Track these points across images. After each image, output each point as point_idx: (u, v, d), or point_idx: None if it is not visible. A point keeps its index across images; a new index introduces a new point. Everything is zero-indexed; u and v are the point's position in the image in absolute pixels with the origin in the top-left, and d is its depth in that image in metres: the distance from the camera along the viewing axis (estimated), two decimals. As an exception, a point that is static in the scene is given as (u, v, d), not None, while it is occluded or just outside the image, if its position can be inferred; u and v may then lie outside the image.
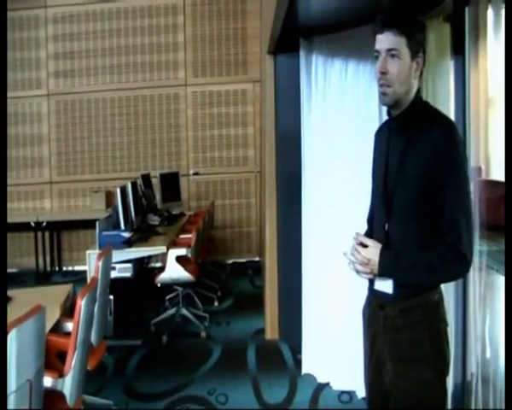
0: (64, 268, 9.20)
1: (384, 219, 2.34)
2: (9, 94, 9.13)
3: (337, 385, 4.52)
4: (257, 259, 8.72)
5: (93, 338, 3.66)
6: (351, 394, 4.38)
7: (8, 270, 8.99)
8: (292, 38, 4.72)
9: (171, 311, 6.11)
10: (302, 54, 4.80)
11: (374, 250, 2.27)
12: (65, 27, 9.18)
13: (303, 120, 4.87)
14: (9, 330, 2.38)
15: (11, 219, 8.93)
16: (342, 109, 4.53)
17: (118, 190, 5.95)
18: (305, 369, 4.81)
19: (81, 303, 3.15)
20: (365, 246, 2.29)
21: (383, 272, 2.26)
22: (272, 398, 4.41)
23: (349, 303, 4.11)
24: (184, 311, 6.02)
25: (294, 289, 4.97)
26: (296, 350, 5.06)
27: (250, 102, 8.99)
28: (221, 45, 8.99)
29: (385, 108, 2.39)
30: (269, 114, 5.46)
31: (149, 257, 6.80)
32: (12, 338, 2.39)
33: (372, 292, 2.40)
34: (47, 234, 8.99)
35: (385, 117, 2.47)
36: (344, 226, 4.24)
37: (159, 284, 5.86)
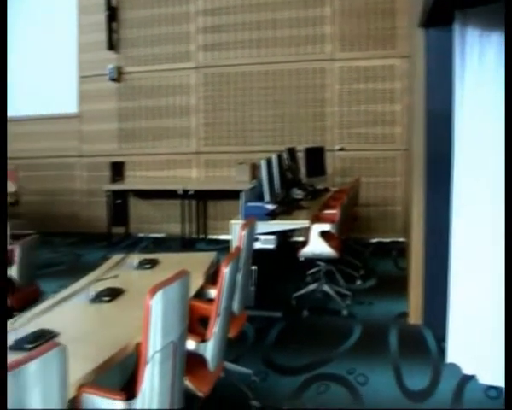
0: (208, 236, 9.45)
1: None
2: (160, 67, 9.50)
3: (484, 379, 4.22)
4: (401, 239, 8.43)
5: (235, 307, 3.66)
6: (499, 390, 4.06)
7: (156, 235, 9.44)
8: (445, 10, 4.40)
9: (313, 286, 6.03)
10: (456, 27, 4.45)
11: None
12: (213, 2, 9.32)
13: (455, 97, 4.55)
14: (156, 291, 2.39)
15: (160, 186, 9.35)
16: (499, 88, 4.16)
17: (263, 162, 5.96)
18: (449, 358, 4.54)
19: (225, 271, 3.14)
20: None
21: None
22: (414, 385, 4.19)
23: (502, 291, 3.82)
24: (326, 287, 5.92)
25: (441, 274, 4.70)
26: (440, 338, 4.79)
27: (398, 78, 8.68)
28: (369, 19, 8.72)
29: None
30: (418, 91, 5.18)
31: (292, 230, 6.76)
32: (158, 299, 2.40)
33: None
34: (193, 202, 9.27)
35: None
36: (496, 210, 3.95)
37: (301, 258, 5.79)
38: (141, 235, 9.62)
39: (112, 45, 9.84)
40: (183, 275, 2.63)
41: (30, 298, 4.63)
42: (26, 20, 10.29)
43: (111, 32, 9.82)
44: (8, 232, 5.35)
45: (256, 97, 9.26)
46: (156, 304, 2.40)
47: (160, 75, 9.68)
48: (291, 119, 9.14)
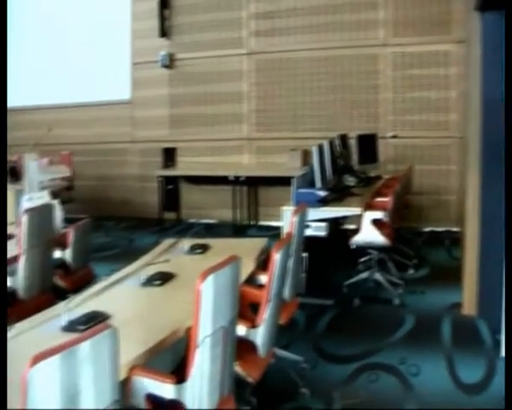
0: (259, 223, 9.48)
1: None
2: (212, 53, 9.52)
3: (542, 374, 4.09)
4: (454, 229, 8.25)
5: (286, 294, 3.64)
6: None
7: (207, 220, 9.49)
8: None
9: (365, 274, 5.96)
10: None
11: None
12: (266, -13, 9.28)
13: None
14: (207, 275, 2.38)
15: (211, 172, 9.40)
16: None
17: (315, 149, 5.92)
18: (504, 351, 4.42)
19: (276, 256, 3.11)
20: None
21: None
22: (467, 377, 4.09)
23: None
24: (378, 276, 5.84)
25: (496, 264, 4.58)
26: (495, 329, 4.67)
27: (453, 64, 8.46)
28: (423, 3, 8.52)
29: None
30: (474, 77, 5.02)
31: (344, 218, 6.69)
32: (209, 284, 2.39)
33: None
34: (244, 189, 9.30)
35: None
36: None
37: (353, 246, 5.72)
38: (192, 220, 9.69)
39: (164, 32, 9.91)
40: (233, 260, 2.61)
41: (83, 281, 4.69)
42: (80, 8, 10.43)
43: (163, 18, 9.88)
44: (63, 216, 5.44)
45: (308, 83, 9.18)
46: (207, 288, 2.39)
47: (211, 61, 9.70)
48: (343, 105, 9.03)
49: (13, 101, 10.82)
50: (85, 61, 10.35)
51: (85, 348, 1.84)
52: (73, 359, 1.80)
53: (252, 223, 9.48)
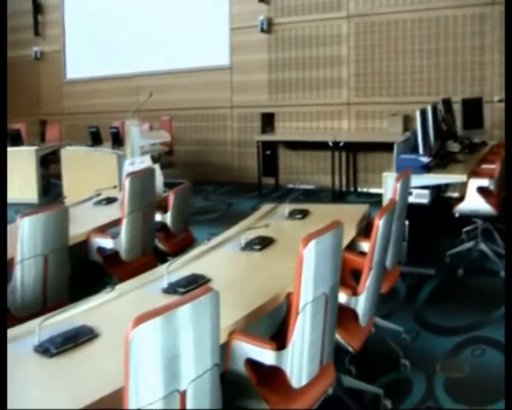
0: (359, 189, 9.36)
1: None
2: (310, 17, 9.43)
3: None
4: None
5: (388, 262, 3.53)
6: None
7: (306, 186, 9.42)
8: None
9: (469, 244, 5.72)
10: None
11: None
12: None
13: None
14: (309, 240, 2.33)
15: (310, 137, 9.32)
16: None
17: (418, 113, 5.71)
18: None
19: (379, 223, 3.02)
20: None
21: None
22: None
23: None
24: (483, 246, 5.58)
25: None
26: None
27: None
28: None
29: None
30: None
31: (446, 185, 6.45)
32: (311, 249, 2.34)
33: None
34: (343, 154, 9.15)
35: None
36: None
37: (456, 215, 5.51)
38: (290, 186, 9.65)
39: (263, -4, 9.84)
40: (336, 226, 2.54)
41: (183, 244, 4.78)
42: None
43: (262, -17, 9.82)
44: (163, 180, 5.54)
45: (410, 46, 8.86)
46: (309, 254, 2.34)
47: (310, 25, 9.54)
48: (446, 68, 8.66)
49: (117, 69, 11.15)
50: (184, 27, 10.45)
51: (186, 310, 1.84)
52: (174, 321, 1.80)
53: (351, 189, 9.34)
